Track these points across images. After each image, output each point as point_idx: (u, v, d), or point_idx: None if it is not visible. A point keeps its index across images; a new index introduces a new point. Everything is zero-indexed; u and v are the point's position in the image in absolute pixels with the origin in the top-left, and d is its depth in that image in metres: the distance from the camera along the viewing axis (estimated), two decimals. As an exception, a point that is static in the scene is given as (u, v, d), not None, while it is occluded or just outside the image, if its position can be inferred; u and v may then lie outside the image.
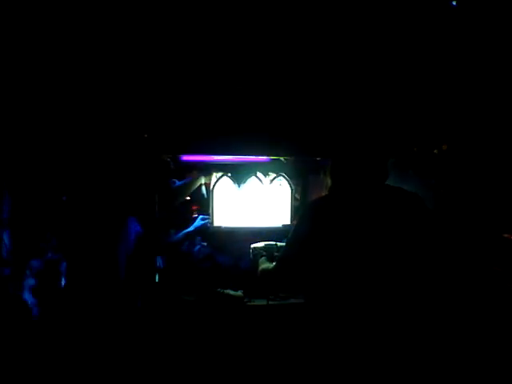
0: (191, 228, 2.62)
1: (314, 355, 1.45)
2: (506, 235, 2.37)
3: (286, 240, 1.57)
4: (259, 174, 2.65)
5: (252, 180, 2.64)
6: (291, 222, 2.63)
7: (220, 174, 2.63)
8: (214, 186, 2.60)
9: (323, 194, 2.27)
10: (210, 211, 2.60)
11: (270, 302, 2.29)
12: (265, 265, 1.66)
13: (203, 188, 2.69)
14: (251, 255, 1.88)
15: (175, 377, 2.17)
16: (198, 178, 2.63)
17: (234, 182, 2.62)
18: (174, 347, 2.22)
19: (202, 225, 2.61)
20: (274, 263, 1.60)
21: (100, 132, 2.35)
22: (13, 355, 2.01)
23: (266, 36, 2.28)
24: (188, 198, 2.71)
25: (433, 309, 1.48)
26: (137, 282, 2.34)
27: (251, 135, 2.43)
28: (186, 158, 2.60)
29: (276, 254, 1.80)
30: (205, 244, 2.66)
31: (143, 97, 2.37)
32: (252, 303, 2.40)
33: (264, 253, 1.81)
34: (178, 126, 2.42)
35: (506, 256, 2.32)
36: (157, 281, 2.43)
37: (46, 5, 2.09)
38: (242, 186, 2.62)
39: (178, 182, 2.65)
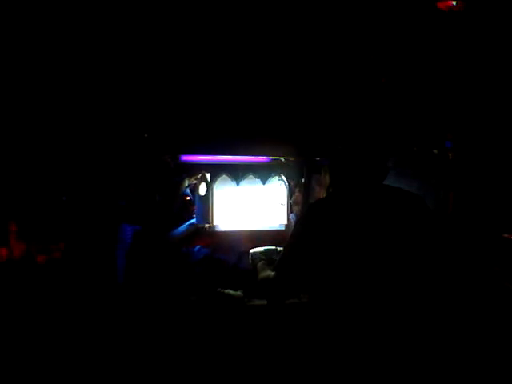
0: (188, 222, 2.63)
1: (315, 356, 1.45)
2: (506, 235, 2.37)
3: (284, 245, 1.56)
4: (258, 175, 2.65)
5: (250, 180, 2.64)
6: (288, 221, 2.62)
7: (219, 174, 2.62)
8: (212, 186, 2.60)
9: (322, 194, 2.28)
10: (209, 212, 2.59)
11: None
12: (265, 273, 1.64)
13: (188, 191, 2.69)
14: (250, 260, 1.84)
15: (174, 377, 2.18)
16: (182, 181, 2.60)
17: (233, 182, 2.61)
18: (173, 347, 2.23)
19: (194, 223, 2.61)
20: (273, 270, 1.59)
21: (100, 132, 2.35)
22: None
23: (265, 36, 2.27)
24: (188, 198, 2.72)
25: (433, 309, 1.48)
26: (136, 282, 2.35)
27: (251, 135, 2.43)
28: (185, 158, 2.60)
29: (275, 258, 1.75)
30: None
31: (143, 97, 2.37)
32: (252, 303, 2.40)
33: (263, 257, 1.77)
34: (178, 127, 2.42)
35: (506, 256, 2.32)
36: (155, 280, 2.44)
37: (46, 5, 2.09)
38: (241, 185, 2.62)
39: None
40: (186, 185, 2.62)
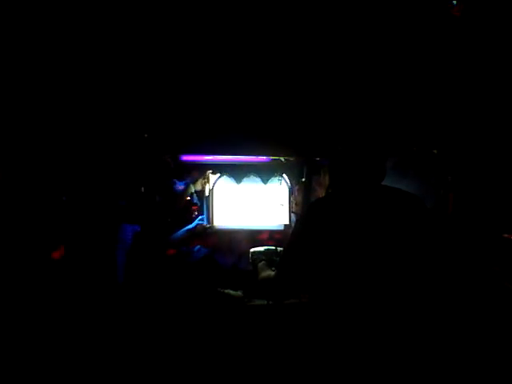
0: (191, 226, 2.64)
1: (315, 355, 1.45)
2: (505, 235, 2.37)
3: (285, 245, 1.57)
4: (259, 174, 2.65)
5: (251, 180, 2.64)
6: (290, 221, 2.63)
7: (219, 174, 2.63)
8: (212, 186, 2.61)
9: (322, 194, 2.28)
10: (209, 212, 2.60)
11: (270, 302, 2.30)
12: (265, 272, 1.65)
13: (195, 196, 2.70)
14: (250, 259, 1.84)
15: (174, 377, 2.18)
16: (188, 186, 2.61)
17: (233, 182, 2.62)
18: (173, 347, 2.23)
19: (199, 224, 2.62)
20: (274, 269, 1.60)
21: (100, 132, 2.35)
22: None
23: (265, 37, 2.27)
24: (188, 198, 2.72)
25: (433, 308, 1.48)
26: (136, 282, 2.35)
27: (251, 135, 2.43)
28: (185, 158, 2.60)
29: (275, 258, 1.77)
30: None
31: (143, 97, 2.37)
32: (252, 303, 2.41)
33: (263, 257, 1.79)
34: (178, 126, 2.42)
35: (505, 256, 2.32)
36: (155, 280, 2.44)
37: (46, 4, 2.09)
38: (241, 185, 2.62)
39: (178, 183, 2.65)
40: (193, 190, 2.64)
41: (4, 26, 2.09)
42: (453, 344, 2.01)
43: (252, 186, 2.65)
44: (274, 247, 1.87)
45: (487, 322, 2.14)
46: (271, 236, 2.64)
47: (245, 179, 2.63)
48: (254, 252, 1.85)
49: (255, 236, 2.61)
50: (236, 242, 2.65)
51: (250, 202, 2.64)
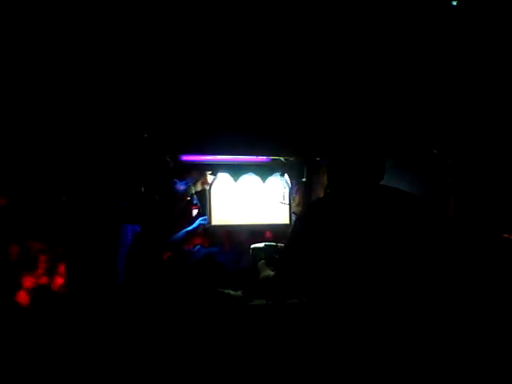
0: (191, 227, 2.63)
1: (314, 355, 1.45)
2: (505, 235, 2.37)
3: (284, 244, 1.57)
4: (258, 174, 2.65)
5: (250, 180, 2.64)
6: (290, 221, 2.63)
7: (218, 174, 2.63)
8: (211, 185, 2.60)
9: (322, 194, 2.29)
10: (207, 212, 2.60)
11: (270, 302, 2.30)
12: (266, 272, 1.66)
13: (195, 197, 2.70)
14: (251, 256, 1.86)
15: (174, 376, 2.18)
16: (188, 187, 2.62)
17: (233, 182, 2.62)
18: (173, 347, 2.22)
19: (201, 224, 2.62)
20: (273, 269, 1.60)
21: (100, 132, 2.35)
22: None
23: (265, 37, 2.27)
24: (188, 198, 2.72)
25: (432, 308, 1.48)
26: (136, 282, 2.35)
27: (251, 135, 2.43)
28: (185, 158, 2.60)
29: (276, 255, 1.77)
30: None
31: (143, 97, 2.37)
32: (252, 303, 2.41)
33: (263, 255, 1.79)
34: (177, 126, 2.42)
35: (505, 256, 2.32)
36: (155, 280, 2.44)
37: (46, 4, 2.09)
38: (241, 185, 2.62)
39: (179, 183, 2.65)
40: (193, 191, 2.64)
41: (4, 26, 2.09)
42: (453, 344, 2.01)
43: (251, 185, 2.65)
44: (274, 243, 1.88)
45: (487, 321, 2.14)
46: (271, 235, 2.64)
47: (244, 179, 2.63)
48: (254, 248, 1.87)
49: (255, 236, 2.61)
50: (236, 242, 2.65)
51: (249, 202, 2.64)
